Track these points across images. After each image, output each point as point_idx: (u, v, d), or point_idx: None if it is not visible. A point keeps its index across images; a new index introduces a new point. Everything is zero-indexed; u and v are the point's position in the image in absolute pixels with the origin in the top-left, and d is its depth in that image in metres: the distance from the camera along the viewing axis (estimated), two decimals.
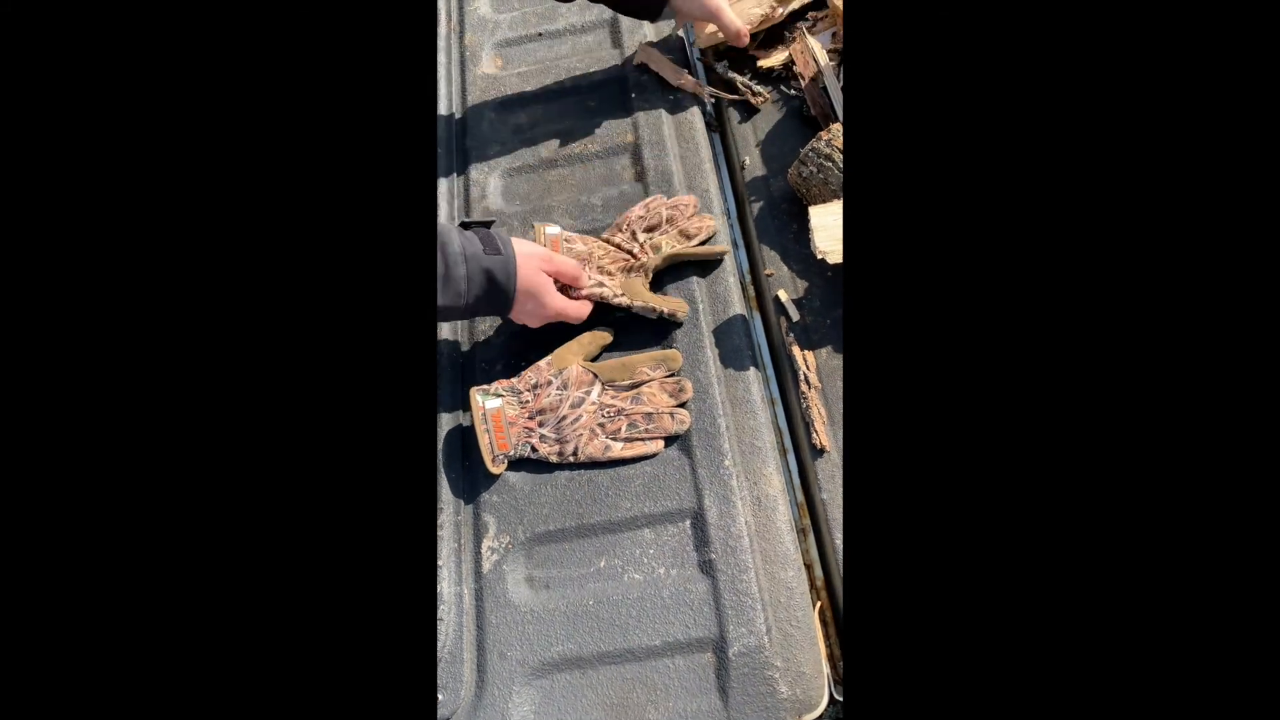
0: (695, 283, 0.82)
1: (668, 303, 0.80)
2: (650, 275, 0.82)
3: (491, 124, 0.98)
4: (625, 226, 0.84)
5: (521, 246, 0.75)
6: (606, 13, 1.03)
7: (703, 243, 0.84)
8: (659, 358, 0.77)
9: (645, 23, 1.01)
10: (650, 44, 0.98)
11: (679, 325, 0.80)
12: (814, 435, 0.74)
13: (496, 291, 0.73)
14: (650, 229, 0.83)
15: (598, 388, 0.77)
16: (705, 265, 0.84)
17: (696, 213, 0.85)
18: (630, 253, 0.82)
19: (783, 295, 0.82)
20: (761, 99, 0.94)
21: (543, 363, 0.79)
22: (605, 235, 0.84)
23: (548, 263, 0.76)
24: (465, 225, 0.75)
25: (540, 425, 0.76)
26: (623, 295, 0.79)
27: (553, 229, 0.84)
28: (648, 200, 0.86)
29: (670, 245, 0.82)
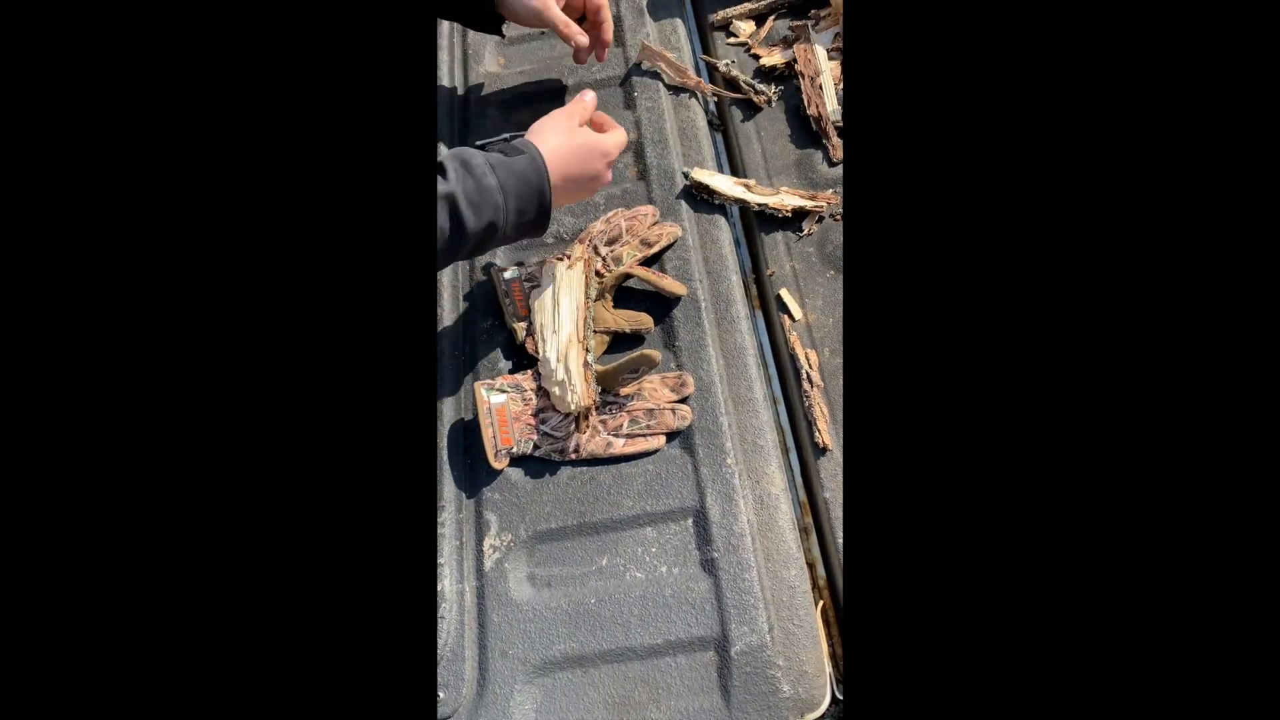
0: (698, 281, 0.82)
1: (630, 320, 0.80)
2: (610, 294, 0.82)
3: (494, 122, 0.98)
4: (587, 241, 0.84)
5: (544, 138, 0.71)
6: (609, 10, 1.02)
7: (664, 249, 0.84)
8: (636, 360, 0.76)
9: (647, 21, 1.01)
10: (652, 42, 0.98)
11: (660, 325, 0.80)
12: (816, 434, 0.74)
13: (530, 191, 0.68)
14: (611, 242, 0.83)
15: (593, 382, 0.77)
16: (707, 255, 0.84)
17: (657, 221, 0.85)
18: (597, 273, 0.81)
19: (785, 294, 0.82)
20: (764, 97, 0.94)
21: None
22: (567, 251, 0.83)
23: (569, 133, 0.72)
24: (482, 146, 0.72)
25: (543, 423, 0.76)
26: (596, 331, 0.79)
27: (510, 273, 0.84)
28: (608, 215, 0.86)
29: (631, 255, 0.82)
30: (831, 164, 0.88)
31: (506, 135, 0.74)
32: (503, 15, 0.89)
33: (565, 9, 0.88)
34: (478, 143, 0.72)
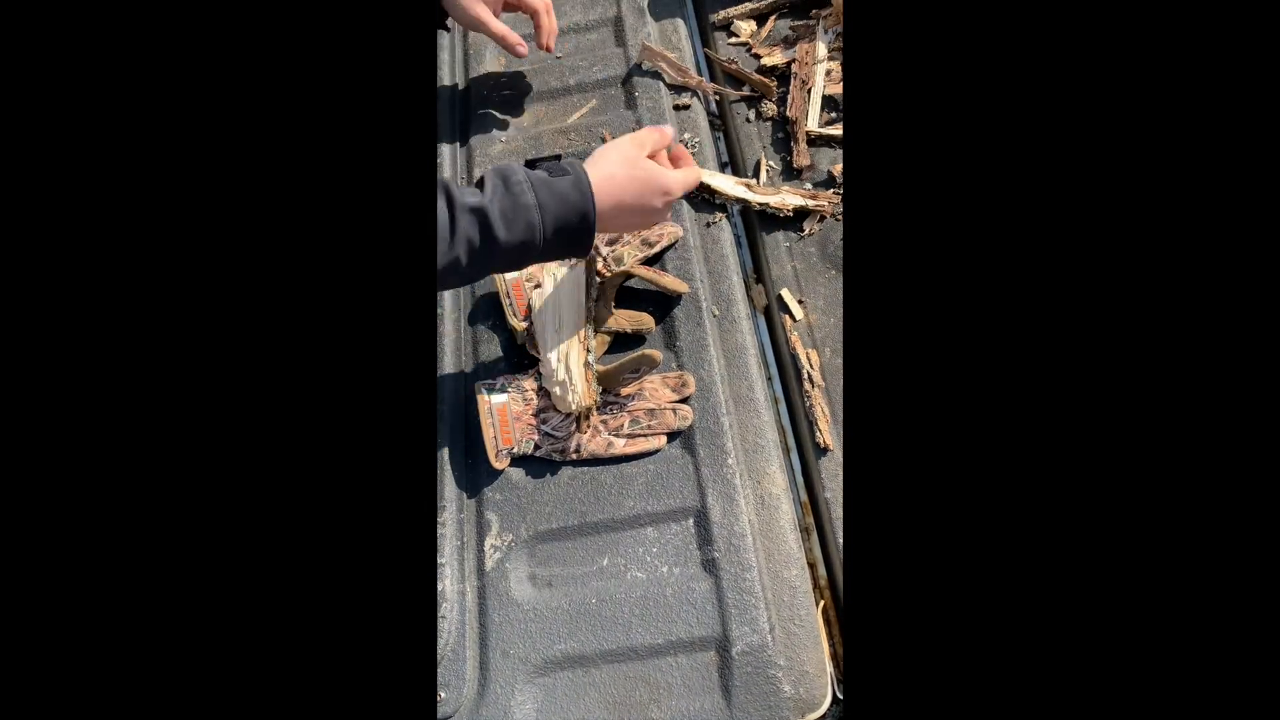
0: (699, 281, 0.82)
1: (631, 320, 0.80)
2: (612, 295, 0.81)
3: (495, 122, 0.98)
4: None
5: (600, 163, 0.69)
6: (609, 11, 1.03)
7: (665, 249, 0.84)
8: (637, 360, 0.76)
9: (648, 21, 1.01)
10: (653, 43, 0.98)
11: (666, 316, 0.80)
12: (817, 434, 0.74)
13: (570, 212, 0.65)
14: (612, 242, 0.83)
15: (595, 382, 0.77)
16: (708, 255, 0.84)
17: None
18: (597, 273, 0.81)
19: (786, 294, 0.82)
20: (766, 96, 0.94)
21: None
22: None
23: (628, 162, 0.69)
24: (531, 164, 0.70)
25: (544, 423, 0.76)
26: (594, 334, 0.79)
27: (511, 273, 0.82)
28: None
29: (632, 255, 0.81)
30: (795, 169, 0.88)
31: (558, 154, 0.72)
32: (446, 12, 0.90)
33: (509, 8, 0.93)
34: (528, 159, 0.70)
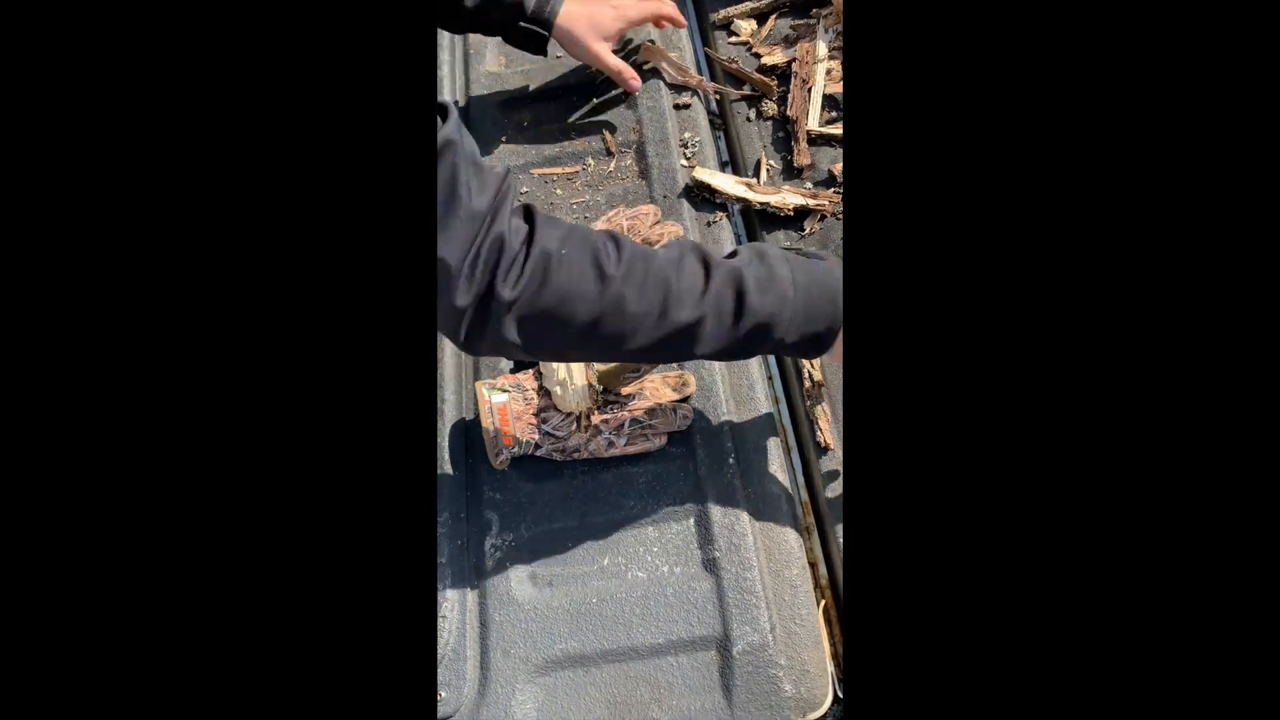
0: None
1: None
2: None
3: (495, 121, 0.98)
4: None
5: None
6: None
7: None
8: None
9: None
10: (654, 42, 0.98)
11: None
12: (818, 433, 0.74)
13: (825, 297, 0.59)
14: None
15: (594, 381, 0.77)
16: None
17: (658, 220, 0.85)
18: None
19: None
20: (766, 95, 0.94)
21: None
22: None
23: None
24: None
25: (544, 422, 0.76)
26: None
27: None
28: (609, 214, 0.86)
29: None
30: (795, 168, 0.88)
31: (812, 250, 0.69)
32: (548, 36, 0.89)
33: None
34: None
